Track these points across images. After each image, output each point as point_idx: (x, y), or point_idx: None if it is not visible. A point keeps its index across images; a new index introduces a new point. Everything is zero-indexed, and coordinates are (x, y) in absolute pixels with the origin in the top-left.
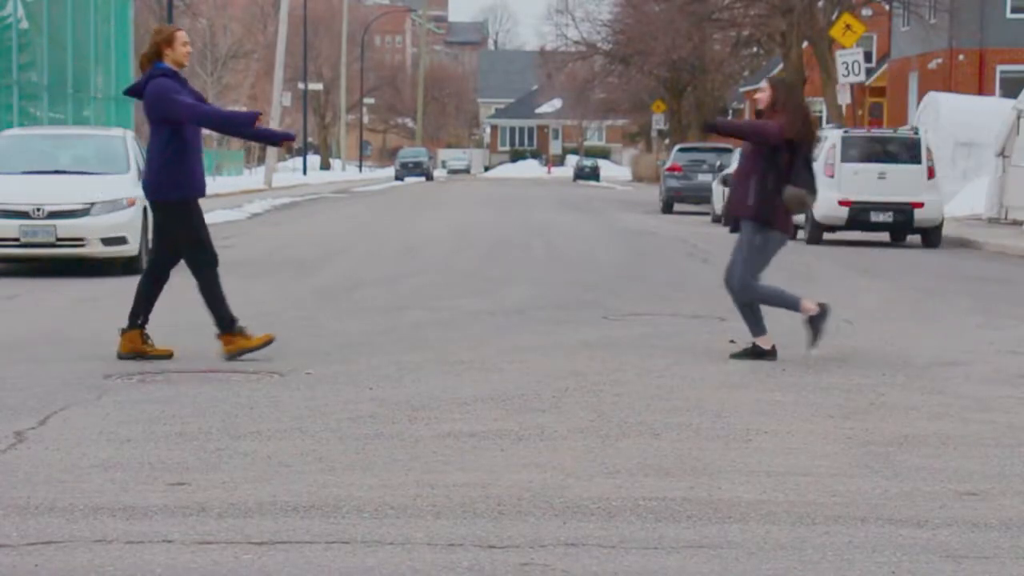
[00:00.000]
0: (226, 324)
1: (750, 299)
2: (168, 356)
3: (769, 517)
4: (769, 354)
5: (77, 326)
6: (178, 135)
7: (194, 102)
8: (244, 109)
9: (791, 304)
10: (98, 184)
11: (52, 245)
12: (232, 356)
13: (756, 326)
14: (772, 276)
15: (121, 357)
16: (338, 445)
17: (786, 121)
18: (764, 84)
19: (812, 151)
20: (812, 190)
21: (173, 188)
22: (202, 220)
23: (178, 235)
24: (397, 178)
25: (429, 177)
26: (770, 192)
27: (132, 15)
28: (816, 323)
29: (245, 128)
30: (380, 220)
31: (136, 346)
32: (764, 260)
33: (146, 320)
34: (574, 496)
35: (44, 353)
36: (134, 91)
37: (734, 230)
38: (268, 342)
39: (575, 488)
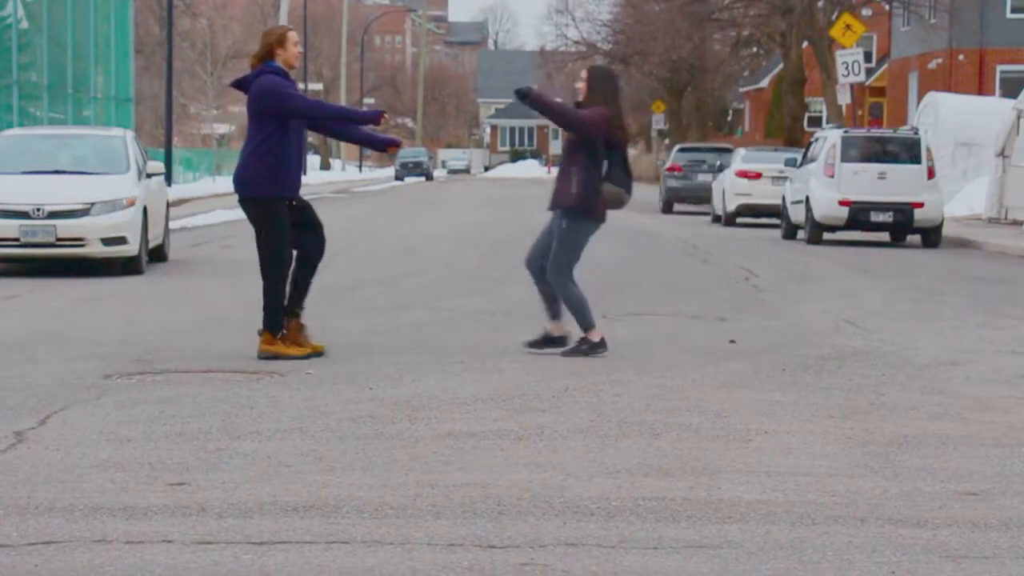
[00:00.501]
0: (273, 328)
1: (560, 292)
2: (308, 355)
3: (769, 517)
4: (582, 344)
5: (77, 326)
6: (281, 133)
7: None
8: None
9: (585, 321)
10: (98, 184)
11: (52, 245)
12: (264, 356)
13: (554, 311)
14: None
15: (284, 357)
16: (338, 445)
17: (599, 114)
18: (584, 73)
19: (626, 149)
20: (628, 189)
21: (264, 185)
22: (287, 222)
23: (260, 231)
24: (397, 178)
25: (429, 177)
26: (591, 185)
27: (132, 15)
28: (587, 348)
29: (365, 123)
30: (380, 220)
31: (297, 338)
32: (578, 250)
33: (298, 311)
34: (574, 496)
35: (44, 353)
36: (240, 84)
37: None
38: (308, 355)
39: (575, 488)
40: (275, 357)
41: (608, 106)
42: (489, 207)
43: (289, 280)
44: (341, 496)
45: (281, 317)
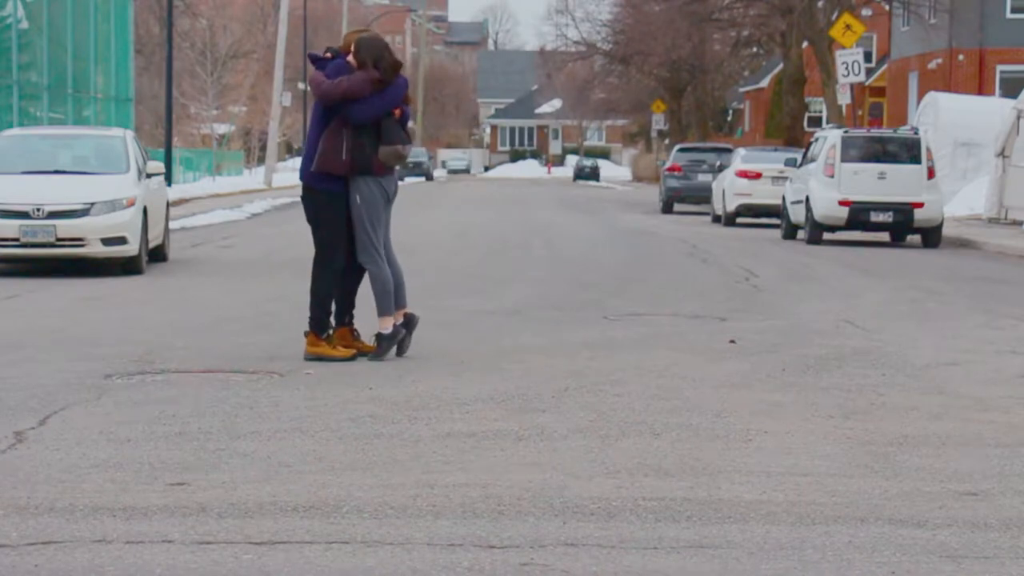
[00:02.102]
0: (319, 328)
1: (369, 267)
2: (355, 356)
3: (769, 517)
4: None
5: (77, 326)
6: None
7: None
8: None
9: (384, 306)
10: (98, 184)
11: (52, 245)
12: (310, 358)
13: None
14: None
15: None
16: (338, 445)
17: (361, 78)
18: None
19: (402, 102)
20: (404, 142)
21: (326, 178)
22: (345, 219)
23: (319, 224)
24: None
25: (429, 177)
26: (365, 148)
27: (132, 15)
28: (384, 340)
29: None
30: None
31: (347, 342)
32: (377, 214)
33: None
34: (574, 496)
35: (44, 353)
36: (315, 59)
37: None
38: (354, 356)
39: (575, 488)
40: (320, 359)
41: (375, 64)
42: (489, 207)
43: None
44: (341, 496)
45: (328, 318)
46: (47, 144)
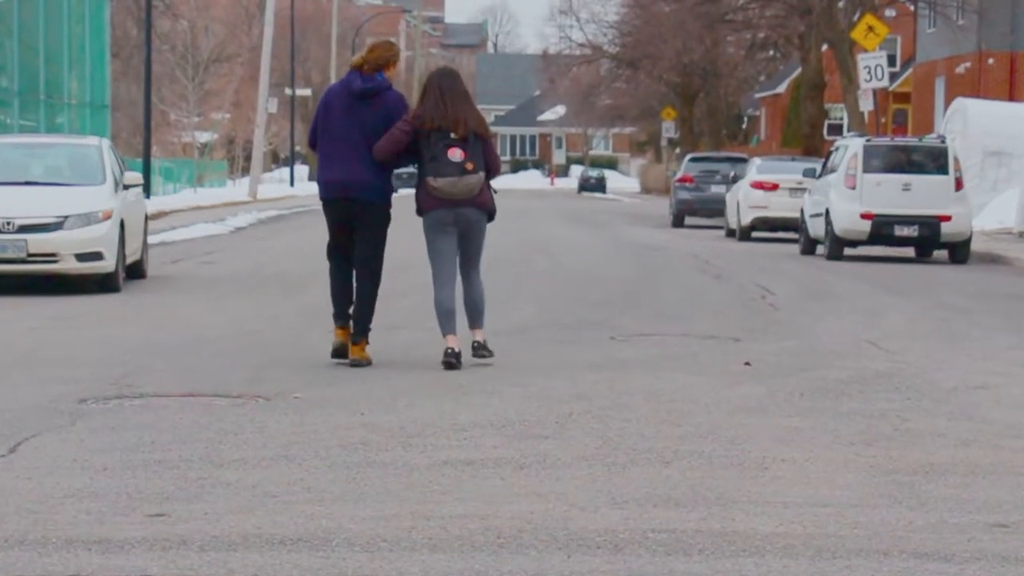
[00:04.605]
0: (366, 333)
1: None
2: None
3: (787, 550)
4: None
5: (50, 347)
6: None
7: None
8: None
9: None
10: (72, 196)
11: (23, 261)
12: (358, 363)
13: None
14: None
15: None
16: (328, 474)
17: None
18: None
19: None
20: (457, 173)
21: (391, 192)
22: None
23: (378, 237)
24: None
25: None
26: (418, 183)
27: (108, 16)
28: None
29: None
30: None
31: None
32: (430, 252)
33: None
34: (579, 528)
35: (15, 376)
36: (367, 88)
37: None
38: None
39: (580, 520)
40: (360, 364)
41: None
42: None
43: (341, 291)
44: (331, 528)
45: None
46: (18, 153)
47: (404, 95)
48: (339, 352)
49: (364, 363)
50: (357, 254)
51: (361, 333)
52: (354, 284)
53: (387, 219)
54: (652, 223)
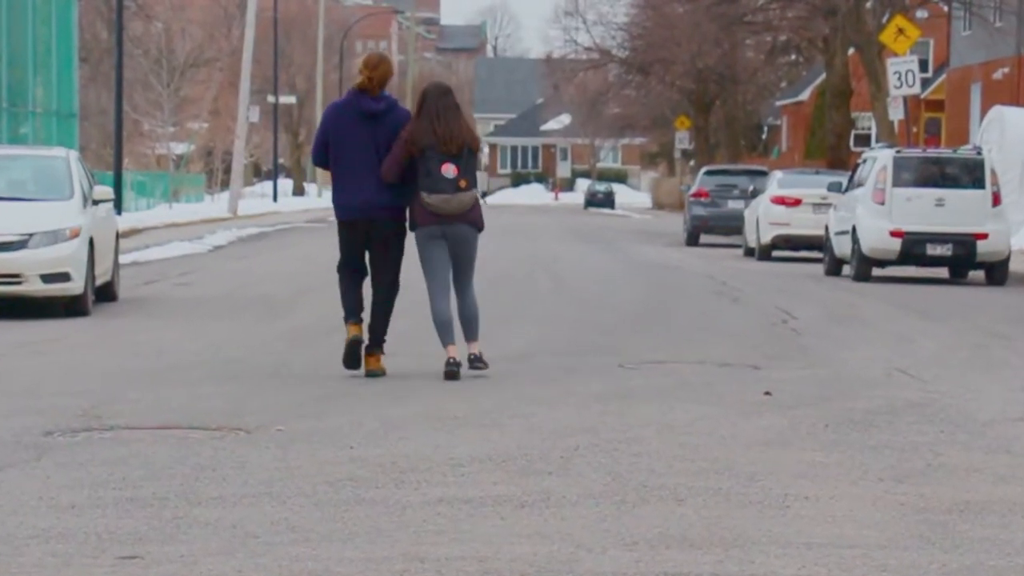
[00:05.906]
0: (381, 344)
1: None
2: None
3: None
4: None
5: (13, 375)
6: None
7: None
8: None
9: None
10: (37, 212)
11: None
12: (375, 374)
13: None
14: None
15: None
16: (314, 512)
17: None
18: None
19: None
20: (451, 190)
21: (406, 208)
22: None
23: (397, 251)
24: None
25: None
26: (412, 198)
27: (76, 18)
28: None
29: None
30: None
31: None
32: (424, 264)
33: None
34: (585, 571)
35: None
36: (379, 109)
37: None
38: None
39: (587, 562)
40: (375, 375)
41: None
42: (488, 237)
43: (352, 294)
44: (317, 571)
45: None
46: None
47: (410, 111)
48: (352, 349)
49: (379, 373)
50: (376, 270)
51: (376, 344)
52: (368, 294)
53: (403, 233)
54: (664, 241)
